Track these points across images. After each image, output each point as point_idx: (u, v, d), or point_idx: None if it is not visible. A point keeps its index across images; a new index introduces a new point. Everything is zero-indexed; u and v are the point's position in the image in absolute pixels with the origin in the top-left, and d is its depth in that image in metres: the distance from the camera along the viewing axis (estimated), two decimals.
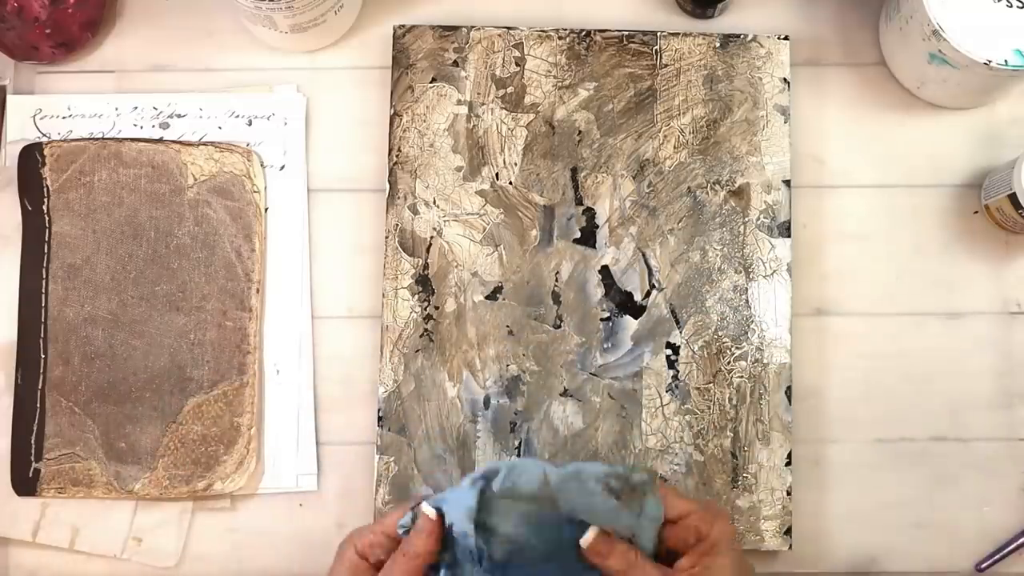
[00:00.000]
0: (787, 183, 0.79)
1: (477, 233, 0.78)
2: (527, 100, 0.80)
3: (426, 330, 0.77)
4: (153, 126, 0.81)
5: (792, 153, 0.80)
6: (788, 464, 0.76)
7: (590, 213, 0.79)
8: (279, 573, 0.77)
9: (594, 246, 0.78)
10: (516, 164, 0.79)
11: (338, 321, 0.79)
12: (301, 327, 0.79)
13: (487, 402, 0.77)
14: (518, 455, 0.76)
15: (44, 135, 0.80)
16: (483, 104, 0.80)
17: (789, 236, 0.78)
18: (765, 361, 0.77)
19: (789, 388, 0.77)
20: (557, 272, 0.78)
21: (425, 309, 0.77)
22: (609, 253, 0.78)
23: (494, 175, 0.79)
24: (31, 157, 0.79)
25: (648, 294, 0.78)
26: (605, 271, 0.78)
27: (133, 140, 0.80)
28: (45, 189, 0.79)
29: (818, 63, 0.83)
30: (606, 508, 0.56)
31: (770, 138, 0.79)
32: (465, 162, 0.79)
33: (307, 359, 0.79)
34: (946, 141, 0.82)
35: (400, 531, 0.61)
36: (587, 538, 0.56)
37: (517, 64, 0.80)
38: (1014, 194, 0.75)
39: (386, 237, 0.78)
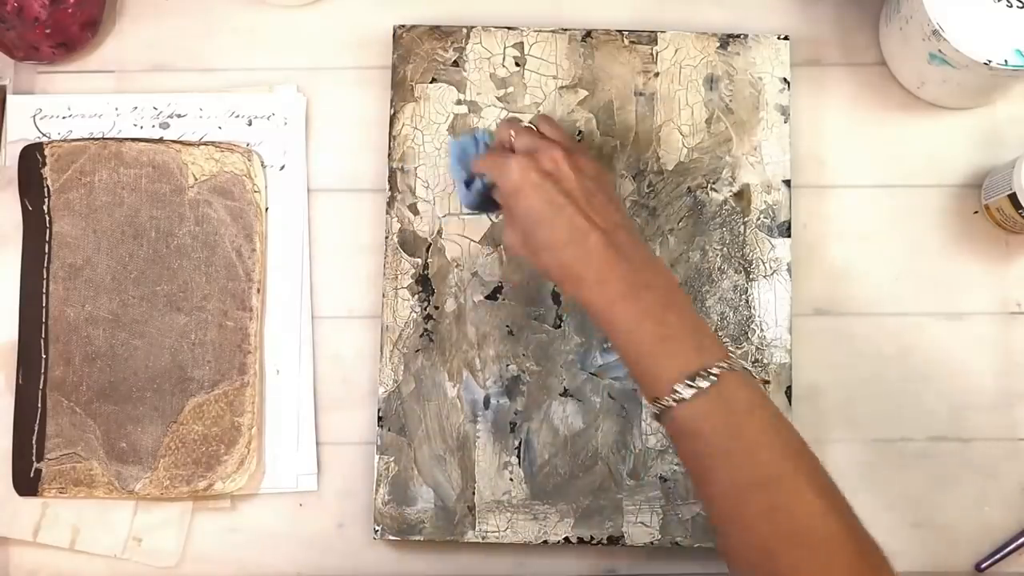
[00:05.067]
0: (787, 183, 0.79)
1: (477, 233, 0.78)
2: (527, 100, 0.80)
3: (426, 330, 0.77)
4: (153, 126, 0.81)
5: (792, 153, 0.80)
6: None
7: None
8: (279, 573, 0.77)
9: None
10: None
11: (338, 321, 0.79)
12: (301, 327, 0.79)
13: (487, 402, 0.77)
14: (518, 455, 0.76)
15: (44, 135, 0.80)
16: (483, 104, 0.80)
17: (789, 236, 0.78)
18: (765, 361, 0.77)
19: (789, 388, 0.77)
20: None
21: (425, 309, 0.77)
22: None
23: None
24: (31, 157, 0.79)
25: None
26: None
27: (133, 140, 0.80)
28: (46, 189, 0.79)
29: (818, 63, 0.83)
30: None
31: (770, 138, 0.79)
32: None
33: (307, 359, 0.79)
34: (946, 141, 0.82)
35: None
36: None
37: (517, 64, 0.80)
38: (1014, 194, 0.75)
39: (386, 237, 0.78)
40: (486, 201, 0.71)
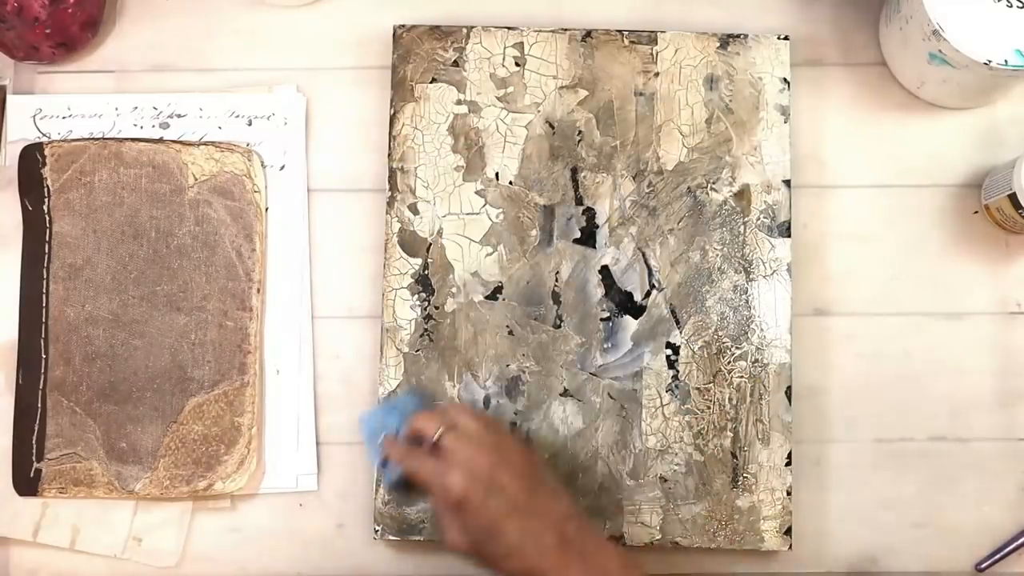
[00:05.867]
0: (787, 183, 0.79)
1: (477, 233, 0.78)
2: (527, 100, 0.80)
3: (426, 330, 0.77)
4: (153, 126, 0.81)
5: (792, 153, 0.80)
6: (788, 464, 0.76)
7: (590, 213, 0.79)
8: (279, 573, 0.77)
9: (594, 246, 0.78)
10: (516, 164, 0.79)
11: (338, 321, 0.79)
12: (301, 327, 0.79)
13: (487, 402, 0.77)
14: None
15: (44, 135, 0.80)
16: (483, 104, 0.80)
17: (789, 236, 0.78)
18: (765, 361, 0.77)
19: (789, 388, 0.77)
20: (557, 272, 0.78)
21: (425, 309, 0.77)
22: (609, 253, 0.78)
23: (494, 175, 0.79)
24: (31, 157, 0.79)
25: (648, 294, 0.78)
26: (605, 271, 0.78)
27: (133, 140, 0.80)
28: (46, 189, 0.79)
29: (818, 63, 0.83)
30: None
31: (770, 138, 0.79)
32: (465, 162, 0.79)
33: (307, 359, 0.79)
34: (946, 141, 0.82)
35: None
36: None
37: (517, 64, 0.80)
38: (1014, 194, 0.75)
39: (386, 237, 0.78)
40: (409, 486, 0.69)
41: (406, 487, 0.70)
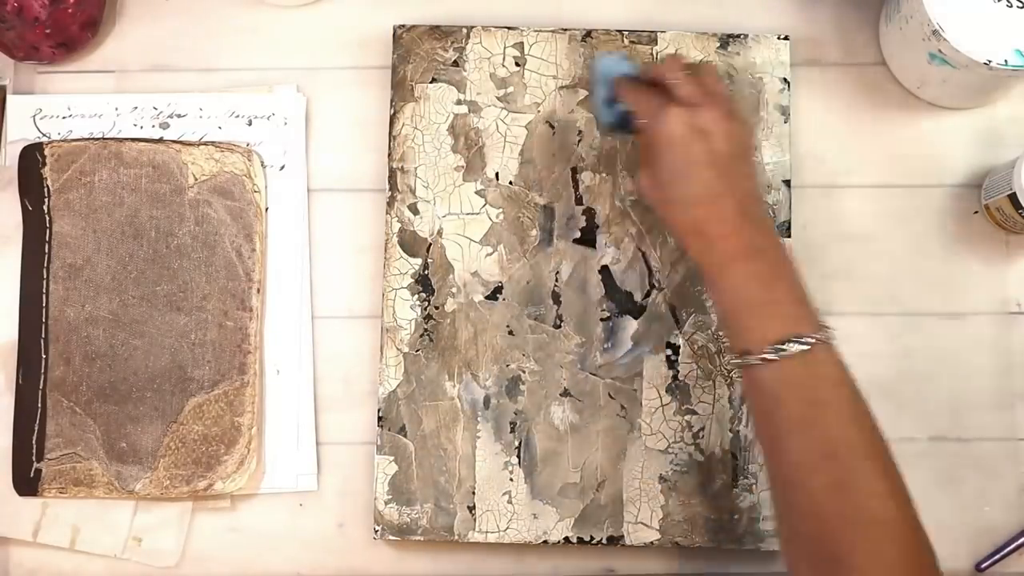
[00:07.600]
0: (787, 183, 0.79)
1: (477, 233, 0.78)
2: (527, 100, 0.80)
3: (426, 330, 0.77)
4: (153, 126, 0.81)
5: (792, 153, 0.80)
6: None
7: (590, 213, 0.79)
8: (279, 573, 0.77)
9: (594, 246, 0.78)
10: (516, 164, 0.79)
11: (338, 321, 0.79)
12: (301, 327, 0.79)
13: (487, 402, 0.77)
14: (518, 455, 0.76)
15: (44, 135, 0.80)
16: (483, 104, 0.80)
17: (789, 236, 0.78)
18: None
19: None
20: (557, 272, 0.78)
21: (425, 309, 0.77)
22: (609, 253, 0.78)
23: (494, 175, 0.79)
24: (31, 157, 0.79)
25: (648, 294, 0.78)
26: (605, 271, 0.78)
27: (133, 140, 0.80)
28: (46, 189, 0.79)
29: (818, 63, 0.83)
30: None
31: (770, 138, 0.79)
32: (465, 162, 0.79)
33: (307, 359, 0.79)
34: (946, 141, 0.82)
35: None
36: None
37: (517, 64, 0.80)
38: (1014, 194, 0.75)
39: (386, 237, 0.78)
40: (625, 124, 0.73)
41: (622, 130, 0.74)
